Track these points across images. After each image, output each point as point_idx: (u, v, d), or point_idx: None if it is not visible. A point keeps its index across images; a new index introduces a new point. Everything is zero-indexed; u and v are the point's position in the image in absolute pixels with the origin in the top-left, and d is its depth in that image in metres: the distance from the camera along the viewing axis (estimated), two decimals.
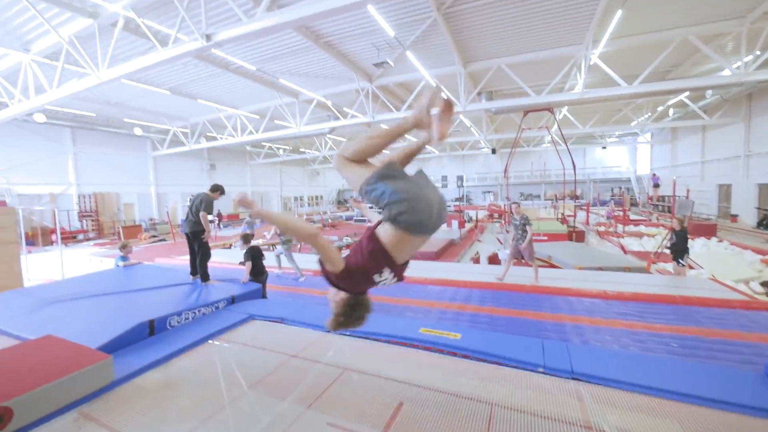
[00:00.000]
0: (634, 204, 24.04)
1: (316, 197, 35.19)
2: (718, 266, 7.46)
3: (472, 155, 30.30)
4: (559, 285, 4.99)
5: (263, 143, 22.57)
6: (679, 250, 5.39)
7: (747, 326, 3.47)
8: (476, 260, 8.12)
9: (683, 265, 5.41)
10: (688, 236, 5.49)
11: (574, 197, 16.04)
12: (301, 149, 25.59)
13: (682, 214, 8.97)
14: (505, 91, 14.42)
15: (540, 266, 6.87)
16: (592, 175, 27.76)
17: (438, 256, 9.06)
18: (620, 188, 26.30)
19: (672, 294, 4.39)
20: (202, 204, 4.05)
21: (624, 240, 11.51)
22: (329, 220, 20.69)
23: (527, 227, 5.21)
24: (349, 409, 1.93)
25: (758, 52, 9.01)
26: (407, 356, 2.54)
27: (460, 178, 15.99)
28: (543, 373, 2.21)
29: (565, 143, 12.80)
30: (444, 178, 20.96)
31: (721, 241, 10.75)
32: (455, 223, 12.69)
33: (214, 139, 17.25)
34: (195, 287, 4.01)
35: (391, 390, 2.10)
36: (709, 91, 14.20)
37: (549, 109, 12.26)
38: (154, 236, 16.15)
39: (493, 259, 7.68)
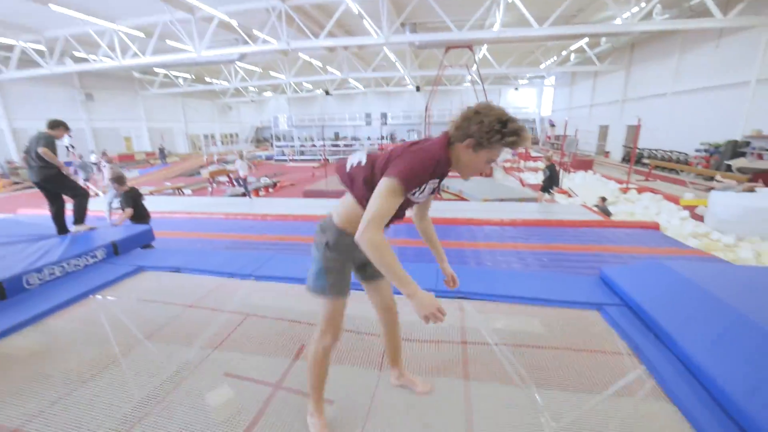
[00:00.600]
0: (535, 142, 26.88)
1: (230, 135, 31.84)
2: (589, 194, 9.05)
3: (398, 92, 29.80)
4: (466, 216, 5.58)
5: (156, 69, 18.92)
6: (547, 183, 6.58)
7: (598, 240, 4.41)
8: None
9: (552, 194, 6.67)
10: (558, 170, 6.77)
11: None
12: (207, 79, 22.20)
13: (569, 151, 10.36)
14: (428, 24, 14.00)
15: (452, 199, 7.51)
16: None
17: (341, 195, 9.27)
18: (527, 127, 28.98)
19: (551, 219, 5.28)
20: (40, 143, 3.28)
21: (524, 174, 13.05)
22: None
23: None
24: (247, 359, 1.90)
25: (643, 4, 10.03)
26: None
27: (384, 116, 15.83)
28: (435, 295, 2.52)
29: (482, 83, 13.31)
30: (368, 115, 20.53)
31: (595, 173, 12.91)
32: None
33: (86, 61, 13.86)
34: (63, 239, 3.40)
35: (292, 332, 2.13)
36: (604, 39, 15.68)
37: (469, 46, 12.37)
38: (17, 183, 13.29)
39: None
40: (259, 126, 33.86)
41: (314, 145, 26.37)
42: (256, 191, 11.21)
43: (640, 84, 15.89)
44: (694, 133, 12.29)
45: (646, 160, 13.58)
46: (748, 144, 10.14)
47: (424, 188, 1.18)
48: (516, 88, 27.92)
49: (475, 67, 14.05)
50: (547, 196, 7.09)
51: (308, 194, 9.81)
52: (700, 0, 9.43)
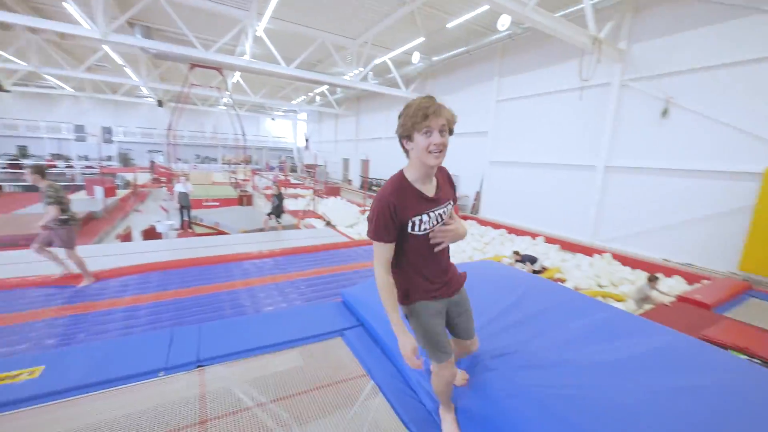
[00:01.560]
0: (294, 170, 28.98)
1: None
2: (338, 216, 10.60)
3: (132, 103, 24.24)
4: (223, 252, 5.11)
5: None
6: (277, 210, 7.22)
7: (346, 260, 5.16)
8: (125, 237, 6.69)
9: (279, 222, 7.34)
10: (284, 199, 7.61)
11: (247, 162, 16.92)
12: None
13: (321, 179, 11.78)
14: (167, 33, 12.30)
15: (207, 234, 6.74)
16: (264, 143, 30.36)
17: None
18: (284, 156, 30.73)
19: (306, 245, 5.71)
20: None
21: (285, 201, 13.67)
22: None
23: None
24: None
25: (362, 68, 12.97)
26: None
27: (108, 130, 12.38)
28: (164, 375, 2.04)
29: (236, 109, 12.97)
30: (79, 128, 14.93)
31: (342, 198, 15.34)
32: (99, 191, 9.80)
33: None
34: None
35: None
36: (339, 89, 19.13)
37: (218, 69, 11.78)
38: None
39: (150, 233, 6.64)
40: None
41: None
42: None
43: (367, 128, 20.40)
44: (399, 166, 16.99)
45: (375, 187, 17.51)
46: None
47: (414, 221, 1.32)
48: (273, 119, 29.17)
49: (228, 92, 13.52)
50: (273, 222, 7.58)
51: None
52: (393, 75, 13.34)
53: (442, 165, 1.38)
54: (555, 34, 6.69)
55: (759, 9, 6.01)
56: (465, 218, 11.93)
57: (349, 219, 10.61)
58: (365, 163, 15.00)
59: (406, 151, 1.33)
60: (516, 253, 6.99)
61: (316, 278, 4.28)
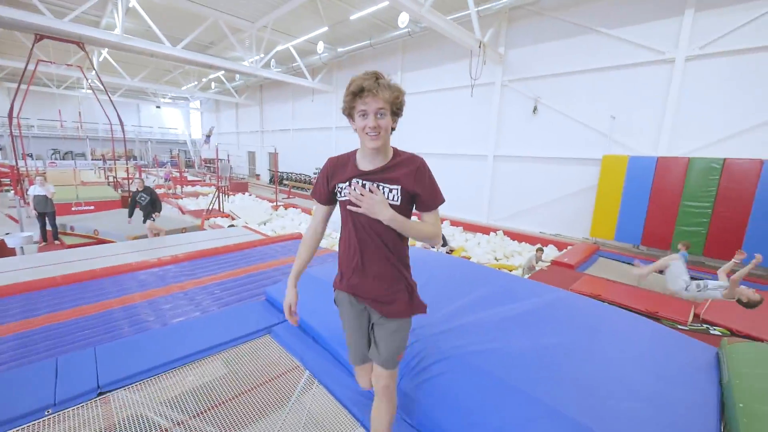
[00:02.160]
0: (190, 165, 25.83)
1: None
2: (248, 214, 9.92)
3: None
4: (109, 263, 4.37)
5: None
6: (149, 211, 5.97)
7: (264, 258, 4.91)
8: None
9: (153, 221, 6.03)
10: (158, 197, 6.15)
11: (129, 157, 14.44)
12: None
13: (224, 174, 10.81)
14: None
15: (84, 244, 5.65)
16: (148, 134, 26.24)
17: None
18: (177, 150, 27.12)
19: (217, 246, 5.25)
20: None
21: (182, 201, 12.16)
22: None
23: None
24: None
25: (263, 55, 12.16)
26: None
27: None
28: (51, 414, 1.70)
29: (108, 92, 10.91)
30: None
31: (251, 195, 14.33)
32: None
33: None
34: None
35: None
36: (238, 75, 17.58)
37: (78, 43, 9.69)
38: None
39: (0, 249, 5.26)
40: None
41: None
42: None
43: (273, 119, 19.28)
44: (310, 159, 16.64)
45: (286, 181, 16.77)
46: None
47: (341, 187, 1.32)
48: (158, 106, 25.31)
49: (93, 71, 11.23)
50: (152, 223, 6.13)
51: None
52: (298, 64, 12.87)
53: (419, 156, 1.33)
54: (447, 35, 7.33)
55: (594, 30, 7.60)
56: None
57: (261, 216, 9.99)
58: (274, 156, 14.20)
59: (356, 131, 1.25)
60: None
61: (231, 280, 3.99)
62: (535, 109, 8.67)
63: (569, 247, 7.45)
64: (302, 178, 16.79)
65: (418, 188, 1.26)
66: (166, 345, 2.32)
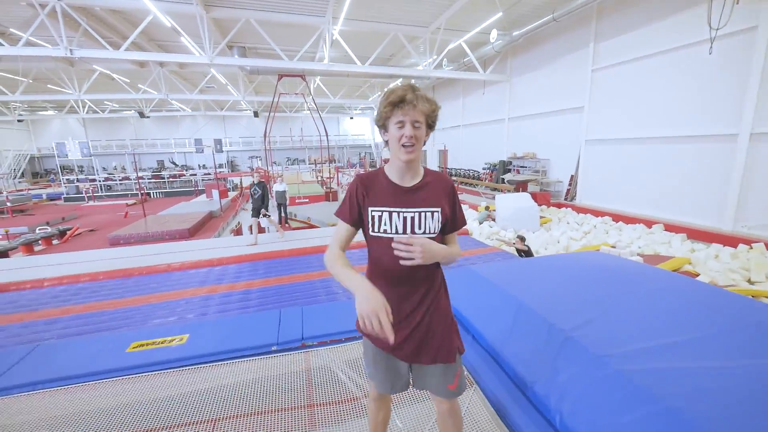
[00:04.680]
0: (373, 165, 29.89)
1: None
2: None
3: (234, 117, 27.88)
4: (315, 244, 5.54)
5: None
6: (258, 205, 5.78)
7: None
8: (237, 232, 7.74)
9: (269, 216, 6.08)
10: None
11: (330, 161, 18.04)
12: None
13: None
14: (259, 50, 13.74)
15: (301, 227, 7.37)
16: (344, 141, 31.97)
17: (192, 233, 7.98)
18: (364, 153, 31.89)
19: None
20: None
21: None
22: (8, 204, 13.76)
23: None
24: None
25: (435, 56, 12.65)
26: (106, 390, 1.94)
27: (219, 142, 14.41)
28: (276, 351, 2.29)
29: (319, 111, 13.87)
30: (198, 141, 17.87)
31: None
32: (215, 193, 11.51)
33: None
34: None
35: None
36: (413, 80, 18.98)
37: (302, 76, 12.72)
38: None
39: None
40: (36, 155, 25.23)
41: (128, 178, 21.43)
42: (29, 246, 8.05)
43: (443, 118, 19.76)
44: (478, 155, 16.19)
45: (454, 177, 16.98)
46: (510, 163, 14.05)
47: (374, 216, 1.17)
48: (351, 117, 30.49)
49: (310, 96, 14.55)
50: (266, 222, 6.33)
51: (117, 242, 7.75)
52: (469, 59, 12.69)
53: (447, 176, 1.29)
54: None
55: None
56: (559, 206, 10.82)
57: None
58: (443, 153, 14.68)
59: (386, 143, 1.21)
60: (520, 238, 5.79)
61: None
62: None
63: None
64: (470, 174, 16.62)
65: (452, 210, 1.24)
66: (347, 315, 2.71)
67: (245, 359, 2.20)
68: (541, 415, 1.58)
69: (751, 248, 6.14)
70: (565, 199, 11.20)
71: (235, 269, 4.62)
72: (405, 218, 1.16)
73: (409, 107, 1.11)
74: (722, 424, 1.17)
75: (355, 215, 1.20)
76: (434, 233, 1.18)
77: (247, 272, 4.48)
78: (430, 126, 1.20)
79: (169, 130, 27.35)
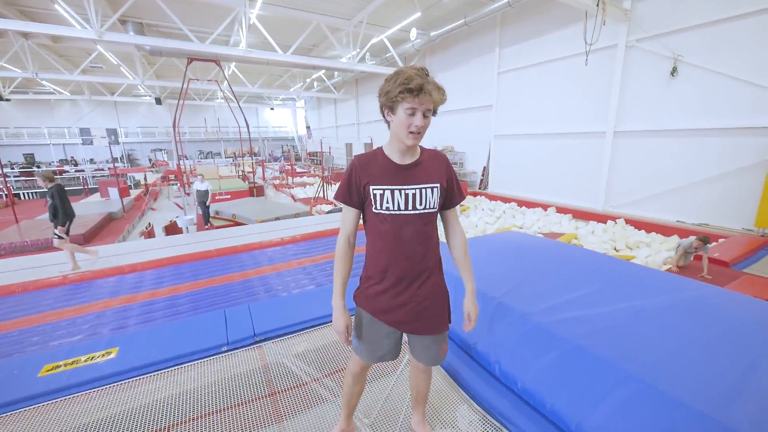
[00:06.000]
0: (298, 159, 28.92)
1: None
2: None
3: (130, 103, 24.19)
4: (245, 241, 5.26)
5: None
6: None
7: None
8: (148, 234, 6.88)
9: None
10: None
11: (252, 154, 16.97)
12: None
13: (327, 165, 11.78)
14: (160, 28, 12.15)
15: (226, 225, 6.89)
16: (264, 133, 30.22)
17: (89, 239, 6.84)
18: (287, 146, 30.63)
19: (325, 229, 5.84)
20: None
21: (293, 190, 13.76)
22: None
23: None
24: None
25: (359, 50, 12.74)
26: (15, 425, 1.67)
27: (113, 132, 12.38)
28: (227, 351, 2.21)
29: (237, 100, 12.91)
30: (85, 131, 14.83)
31: None
32: (114, 192, 9.96)
33: None
34: None
35: None
36: (336, 72, 18.83)
37: (216, 61, 11.66)
38: None
39: (172, 228, 6.82)
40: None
41: None
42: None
43: (367, 111, 20.18)
44: None
45: None
46: None
47: (376, 194, 1.20)
48: (271, 108, 28.91)
49: (225, 83, 13.42)
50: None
51: None
52: (391, 54, 13.10)
53: (442, 151, 1.34)
54: None
55: None
56: (474, 194, 11.96)
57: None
58: (369, 147, 15.02)
59: (387, 123, 1.20)
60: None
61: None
62: (674, 71, 7.11)
63: (721, 240, 6.05)
64: None
65: (449, 183, 1.28)
66: (297, 309, 2.71)
67: (195, 362, 2.08)
68: (485, 369, 1.86)
69: (615, 224, 7.70)
70: (480, 188, 12.44)
71: (154, 275, 4.15)
72: (407, 195, 1.20)
73: (425, 97, 1.10)
74: (613, 351, 1.56)
75: (355, 198, 1.24)
76: (434, 208, 1.24)
77: (170, 277, 4.07)
78: (434, 113, 1.20)
79: (41, 118, 22.54)
